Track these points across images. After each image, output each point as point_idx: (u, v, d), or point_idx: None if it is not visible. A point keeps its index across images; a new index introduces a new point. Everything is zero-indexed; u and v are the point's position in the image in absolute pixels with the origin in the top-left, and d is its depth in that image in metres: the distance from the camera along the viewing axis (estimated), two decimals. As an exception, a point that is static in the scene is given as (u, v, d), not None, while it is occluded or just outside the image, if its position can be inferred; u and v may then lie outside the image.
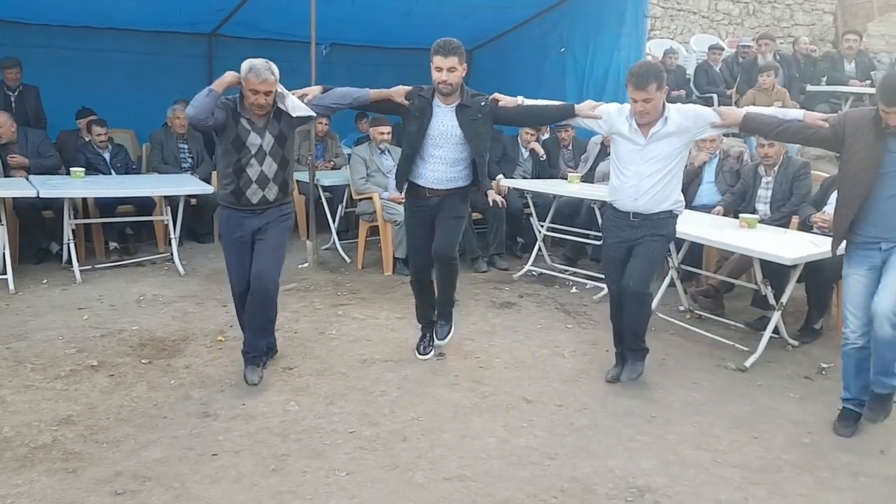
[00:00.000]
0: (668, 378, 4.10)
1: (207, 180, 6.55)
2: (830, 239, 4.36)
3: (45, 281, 5.60)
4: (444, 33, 9.09)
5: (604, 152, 6.67)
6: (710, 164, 5.87)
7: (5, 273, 5.33)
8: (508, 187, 6.58)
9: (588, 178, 6.59)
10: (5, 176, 6.06)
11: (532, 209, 6.42)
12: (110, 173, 6.64)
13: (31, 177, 5.95)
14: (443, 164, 3.94)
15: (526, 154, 7.22)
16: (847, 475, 3.13)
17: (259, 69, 3.52)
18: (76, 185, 5.83)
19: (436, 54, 3.75)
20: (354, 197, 6.54)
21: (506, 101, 3.98)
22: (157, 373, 3.98)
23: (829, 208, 4.75)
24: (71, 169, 6.07)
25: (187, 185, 6.25)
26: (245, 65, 3.56)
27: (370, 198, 6.20)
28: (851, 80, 8.41)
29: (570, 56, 7.84)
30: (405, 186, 4.07)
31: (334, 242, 6.76)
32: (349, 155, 7.05)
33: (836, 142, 3.42)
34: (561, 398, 3.81)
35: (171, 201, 6.07)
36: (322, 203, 6.73)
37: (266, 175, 3.71)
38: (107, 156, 6.72)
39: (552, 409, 3.69)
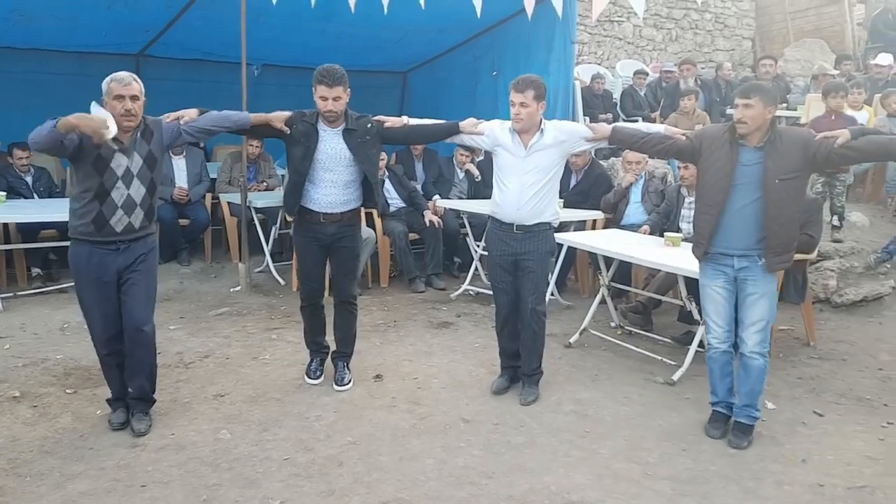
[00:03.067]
0: (601, 393, 4.18)
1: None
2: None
3: (-38, 310, 5.36)
4: (377, 55, 9.22)
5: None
6: (636, 185, 6.05)
7: (-81, 302, 5.09)
8: (445, 208, 6.65)
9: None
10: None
11: (468, 229, 6.49)
12: (33, 197, 6.42)
13: (-53, 202, 5.71)
14: (334, 188, 3.93)
15: (461, 175, 7.31)
16: (771, 484, 3.25)
17: (121, 76, 3.35)
18: (-4, 210, 5.62)
19: (320, 84, 3.75)
20: (288, 218, 6.46)
21: (391, 121, 4.06)
22: (83, 402, 3.86)
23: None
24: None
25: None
26: (106, 79, 3.37)
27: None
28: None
29: (501, 79, 7.99)
30: (295, 211, 4.02)
31: (268, 265, 6.68)
32: (283, 176, 7.00)
33: (693, 154, 3.65)
34: (498, 417, 3.84)
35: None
36: (255, 225, 6.65)
37: (133, 199, 3.41)
38: (29, 179, 6.50)
39: (489, 427, 3.72)
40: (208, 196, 7.23)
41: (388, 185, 6.75)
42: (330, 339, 4.31)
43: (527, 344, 4.08)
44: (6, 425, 3.57)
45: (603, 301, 5.19)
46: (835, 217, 6.38)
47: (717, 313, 3.62)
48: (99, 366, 4.14)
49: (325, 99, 3.76)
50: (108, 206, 3.37)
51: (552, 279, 5.77)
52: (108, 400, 3.67)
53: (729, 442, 3.61)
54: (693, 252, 3.71)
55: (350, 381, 4.21)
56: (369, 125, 3.95)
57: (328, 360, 4.33)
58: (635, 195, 6.05)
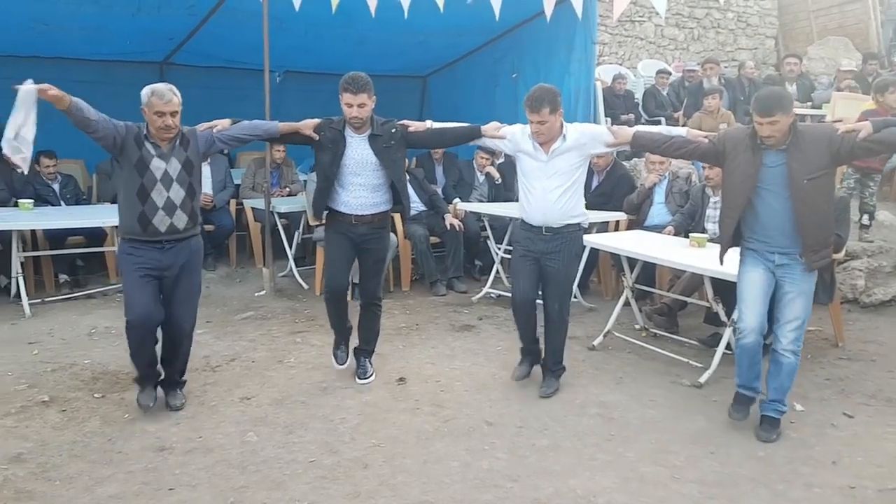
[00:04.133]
0: (626, 396, 4.15)
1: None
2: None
3: (-8, 316, 5.45)
4: (397, 60, 9.26)
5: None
6: (660, 186, 6.01)
7: (-50, 309, 5.19)
8: (466, 211, 6.65)
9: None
10: (-50, 209, 5.92)
11: (489, 232, 6.48)
12: (60, 204, 6.51)
13: (-24, 210, 5.82)
14: (364, 191, 4.02)
15: (482, 178, 7.30)
16: (801, 486, 3.20)
17: (162, 91, 3.54)
18: (25, 217, 5.71)
19: (345, 91, 3.84)
20: (311, 223, 6.51)
21: (415, 126, 4.13)
22: (111, 407, 3.90)
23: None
24: (19, 201, 5.95)
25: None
26: (146, 90, 3.55)
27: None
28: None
29: (521, 81, 7.98)
30: (324, 214, 4.13)
31: (291, 269, 6.72)
32: (305, 181, 7.04)
33: (717, 157, 3.65)
34: (522, 420, 3.83)
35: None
36: (278, 230, 6.68)
37: (173, 202, 3.62)
38: (56, 187, 6.60)
39: (513, 430, 3.71)
40: (233, 202, 7.30)
41: (409, 188, 6.75)
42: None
43: (549, 340, 4.17)
44: (35, 430, 3.61)
45: (627, 303, 5.15)
46: (865, 216, 6.28)
47: (752, 300, 3.58)
48: (127, 370, 4.23)
49: (350, 105, 3.86)
50: (149, 207, 3.59)
51: (574, 281, 5.73)
52: (135, 379, 3.85)
53: (758, 436, 3.61)
54: (720, 252, 3.72)
55: (373, 374, 4.32)
56: (394, 130, 4.03)
57: (350, 356, 4.41)
58: (659, 196, 6.01)
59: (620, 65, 10.79)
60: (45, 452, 3.38)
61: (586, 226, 4.08)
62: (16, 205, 6.00)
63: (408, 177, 6.75)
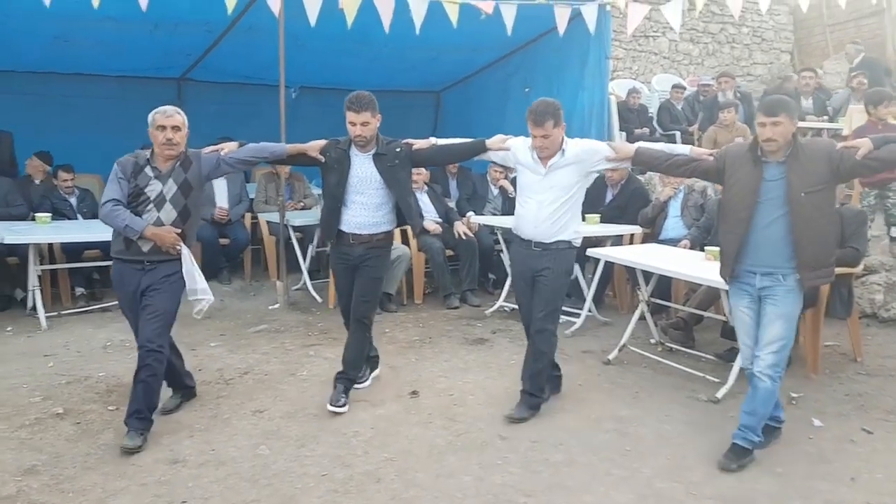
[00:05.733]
0: (641, 411, 4.11)
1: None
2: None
3: (9, 328, 5.49)
4: (411, 76, 9.32)
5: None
6: (675, 199, 5.99)
7: (-32, 321, 5.23)
8: (479, 224, 6.64)
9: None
10: (-32, 223, 5.98)
11: (503, 245, 6.47)
12: (77, 218, 6.57)
13: (-6, 223, 5.88)
14: (364, 210, 3.99)
15: (496, 191, 7.30)
16: (819, 503, 3.15)
17: (164, 108, 3.65)
18: (42, 231, 5.76)
19: (349, 110, 3.87)
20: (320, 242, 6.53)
21: (419, 144, 4.13)
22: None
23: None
24: (36, 215, 6.01)
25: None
26: (152, 112, 3.65)
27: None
28: (808, 116, 8.66)
29: (534, 95, 7.96)
30: (334, 235, 4.07)
31: (305, 282, 6.73)
32: (319, 195, 7.07)
33: (718, 173, 3.58)
34: (536, 434, 3.80)
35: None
36: (293, 243, 6.71)
37: (161, 222, 3.60)
38: (73, 201, 6.66)
39: (527, 445, 3.68)
40: (247, 216, 7.34)
41: (426, 200, 6.78)
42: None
43: (528, 361, 4.02)
44: (50, 441, 3.62)
45: (642, 317, 5.11)
46: (893, 228, 6.21)
47: (747, 334, 3.54)
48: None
49: (353, 124, 3.88)
50: None
51: (589, 295, 5.72)
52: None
53: (719, 463, 3.45)
54: (720, 274, 3.61)
55: (345, 405, 4.04)
56: (398, 149, 4.03)
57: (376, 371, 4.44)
58: (674, 209, 5.98)
59: (635, 79, 10.79)
60: (58, 464, 3.38)
61: (577, 244, 3.98)
62: (33, 219, 6.06)
63: (426, 188, 6.81)
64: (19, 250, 5.75)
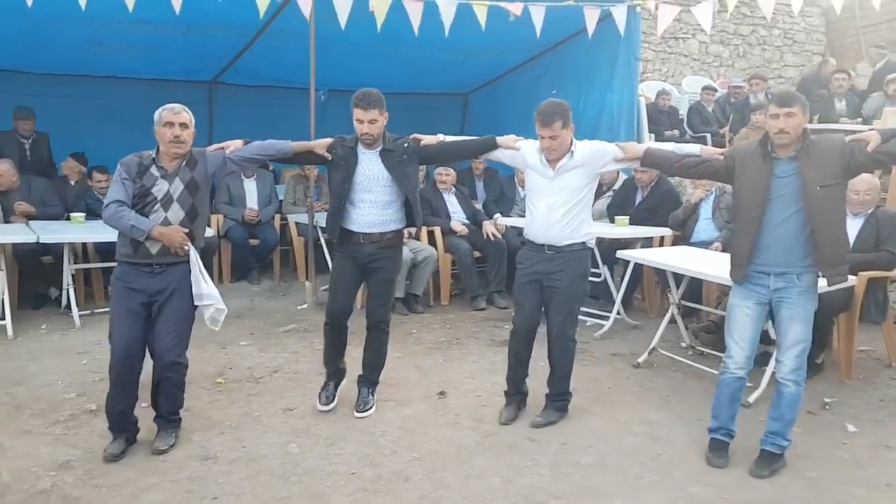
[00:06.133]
0: (672, 415, 4.07)
1: (207, 223, 6.60)
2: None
3: (44, 326, 5.59)
4: (439, 78, 9.32)
5: (599, 191, 6.73)
6: (706, 201, 5.92)
7: (4, 319, 5.32)
8: (506, 226, 6.63)
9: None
10: (5, 222, 6.09)
11: (530, 248, 6.44)
12: (110, 219, 6.65)
13: (31, 222, 5.99)
14: (374, 208, 3.92)
15: (523, 193, 7.26)
16: (855, 510, 3.10)
17: (172, 105, 3.54)
18: (76, 231, 5.85)
19: (356, 107, 3.79)
20: (322, 239, 6.57)
21: (427, 139, 4.04)
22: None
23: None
24: (71, 214, 6.11)
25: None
26: (159, 109, 3.55)
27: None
28: (842, 119, 8.53)
29: (561, 97, 7.92)
30: (337, 234, 4.00)
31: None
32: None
33: (728, 173, 3.50)
34: (565, 437, 3.78)
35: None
36: (321, 244, 6.75)
37: (169, 223, 3.48)
38: (107, 201, 6.75)
39: (556, 447, 3.66)
40: (277, 217, 7.40)
41: (454, 201, 6.79)
42: (348, 361, 4.22)
43: (552, 365, 3.99)
44: (83, 437, 3.68)
45: (673, 320, 5.06)
46: None
47: (741, 335, 3.45)
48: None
49: (360, 122, 3.81)
50: None
51: (618, 297, 5.67)
52: (109, 427, 3.53)
53: (750, 471, 3.41)
54: (731, 276, 3.53)
55: (373, 407, 4.08)
56: (406, 145, 3.97)
57: (342, 385, 4.23)
58: (705, 211, 5.91)
59: (664, 81, 10.70)
60: (92, 460, 3.43)
61: (591, 246, 3.92)
62: (68, 218, 6.17)
63: (454, 189, 6.82)
64: (54, 249, 5.85)
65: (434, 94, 9.54)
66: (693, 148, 3.76)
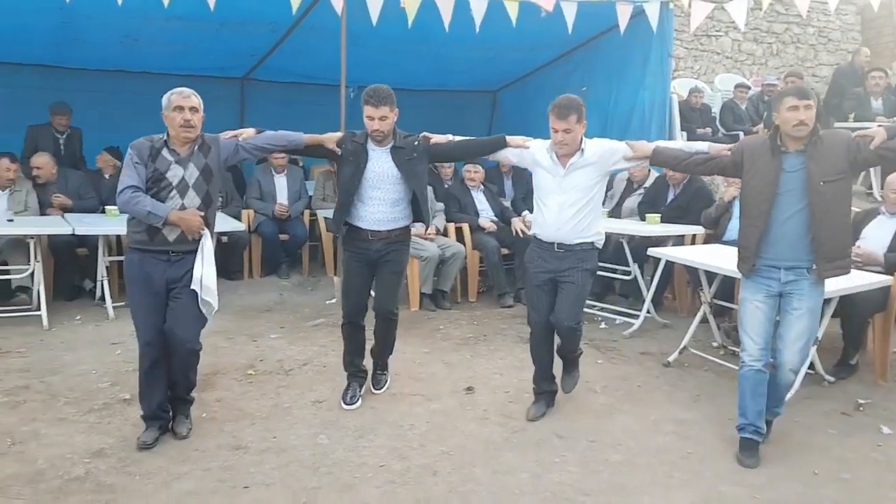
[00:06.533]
0: (703, 414, 4.03)
1: (238, 218, 6.68)
2: (863, 273, 4.34)
3: (78, 317, 5.68)
4: (469, 75, 9.29)
5: (630, 188, 6.69)
6: (739, 199, 5.83)
7: (40, 309, 5.42)
8: (535, 224, 6.60)
9: (615, 213, 6.59)
10: (42, 215, 6.21)
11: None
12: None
13: (66, 215, 6.09)
14: (383, 205, 3.94)
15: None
16: (891, 513, 3.05)
17: (181, 89, 3.51)
18: (111, 223, 5.92)
19: (366, 104, 3.80)
20: (324, 232, 6.61)
21: (437, 138, 4.06)
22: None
23: (862, 242, 4.71)
24: (106, 207, 6.20)
25: (219, 223, 6.33)
26: (167, 93, 3.51)
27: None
28: (878, 117, 8.36)
29: (591, 95, 7.90)
30: (344, 229, 4.03)
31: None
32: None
33: (736, 168, 3.55)
34: (593, 434, 3.76)
35: (203, 239, 6.11)
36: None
37: (185, 209, 3.47)
38: (140, 195, 6.84)
39: (585, 444, 3.64)
40: (306, 212, 7.45)
41: (482, 198, 6.79)
42: (367, 362, 4.28)
43: (563, 346, 4.00)
44: (117, 426, 3.73)
45: (704, 319, 5.00)
46: None
47: (755, 329, 3.48)
48: (203, 371, 4.28)
49: (371, 118, 3.82)
50: None
51: (648, 296, 5.63)
52: (142, 416, 3.59)
53: (766, 438, 3.59)
54: (738, 268, 3.56)
55: (387, 384, 4.30)
56: (416, 143, 3.98)
57: (364, 386, 4.27)
58: (739, 210, 5.83)
59: (696, 79, 10.58)
60: (125, 448, 3.48)
61: (600, 245, 3.91)
62: (103, 211, 6.26)
63: (482, 187, 6.82)
64: (89, 241, 5.94)
65: (463, 92, 9.53)
66: (701, 145, 3.78)
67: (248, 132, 3.80)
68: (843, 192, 3.35)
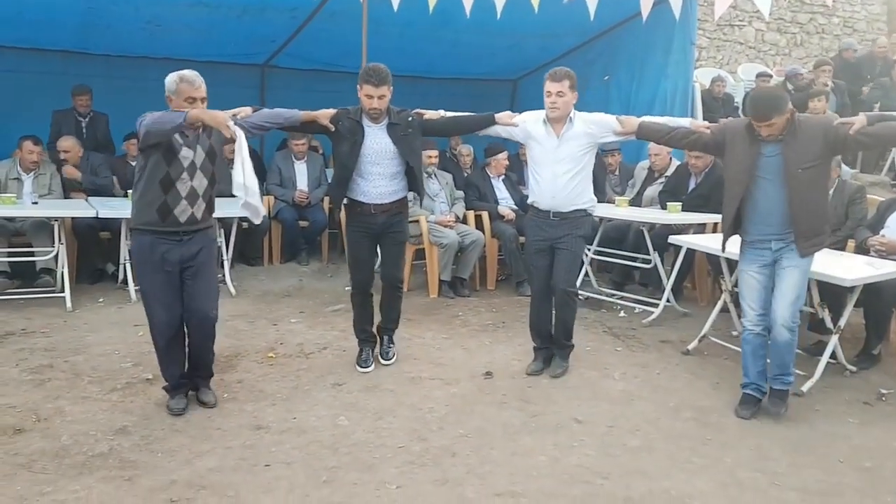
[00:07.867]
0: (723, 401, 4.01)
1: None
2: (887, 262, 4.30)
3: (101, 300, 5.75)
4: (489, 63, 9.25)
5: (651, 177, 6.64)
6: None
7: (64, 291, 5.49)
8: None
9: (636, 202, 6.55)
10: (65, 198, 6.28)
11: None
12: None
13: (90, 198, 6.15)
14: (383, 179, 4.15)
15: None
16: (914, 501, 3.02)
17: (191, 77, 3.49)
18: (133, 207, 5.99)
19: (367, 83, 3.96)
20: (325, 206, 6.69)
21: (429, 114, 4.27)
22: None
23: (886, 231, 4.65)
24: (129, 192, 6.25)
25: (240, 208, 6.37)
26: (173, 77, 3.50)
27: (416, 221, 6.22)
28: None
29: (614, 83, 7.87)
30: (343, 204, 4.26)
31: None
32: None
33: (718, 147, 3.82)
34: (612, 419, 3.76)
35: (224, 224, 6.17)
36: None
37: (196, 191, 3.54)
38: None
39: (603, 429, 3.64)
40: (326, 199, 7.47)
41: (502, 187, 6.79)
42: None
43: (559, 320, 4.36)
44: (140, 405, 3.79)
45: (725, 308, 4.96)
46: None
47: (753, 298, 3.76)
48: (225, 354, 4.35)
49: (370, 97, 3.98)
50: (172, 197, 3.49)
51: (668, 284, 5.60)
52: (165, 388, 3.74)
53: (766, 410, 3.76)
54: (722, 241, 3.88)
55: (395, 355, 4.49)
56: (410, 118, 4.16)
57: (375, 351, 4.53)
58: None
59: (719, 69, 10.50)
60: (148, 426, 3.53)
61: (592, 212, 4.27)
62: (126, 195, 6.32)
63: (502, 175, 6.81)
64: (112, 225, 6.01)
65: (483, 80, 9.49)
66: (683, 121, 4.14)
67: (245, 111, 3.83)
68: (821, 176, 3.57)
